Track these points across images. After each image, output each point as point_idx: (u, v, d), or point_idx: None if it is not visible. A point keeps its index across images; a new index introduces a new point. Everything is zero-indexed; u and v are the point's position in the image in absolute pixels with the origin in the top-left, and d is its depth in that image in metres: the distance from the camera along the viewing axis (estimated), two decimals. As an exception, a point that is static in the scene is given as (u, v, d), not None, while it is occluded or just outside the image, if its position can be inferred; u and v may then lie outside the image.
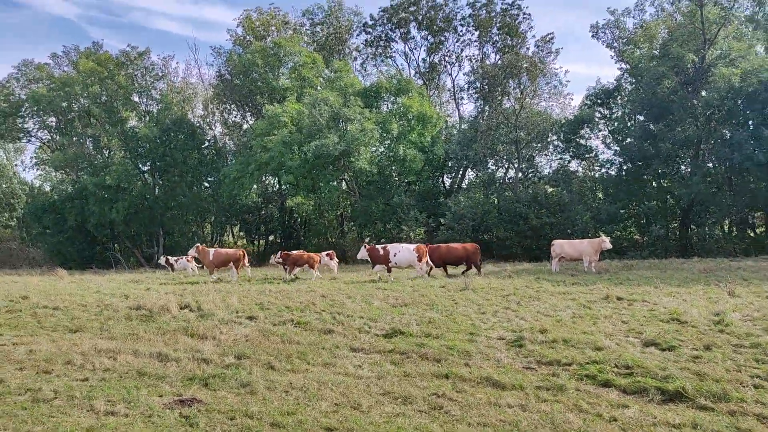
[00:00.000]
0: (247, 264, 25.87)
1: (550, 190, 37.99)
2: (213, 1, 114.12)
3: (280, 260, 24.90)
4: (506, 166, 42.79)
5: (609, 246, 24.21)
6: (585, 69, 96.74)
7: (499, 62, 40.33)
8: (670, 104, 33.87)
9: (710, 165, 34.52)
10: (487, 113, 40.80)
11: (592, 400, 7.53)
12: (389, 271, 22.48)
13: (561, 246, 25.02)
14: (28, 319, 14.77)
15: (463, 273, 23.79)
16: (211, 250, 25.61)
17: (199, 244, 26.30)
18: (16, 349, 11.44)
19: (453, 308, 14.78)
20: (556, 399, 7.58)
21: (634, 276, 20.78)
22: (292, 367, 9.50)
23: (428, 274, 23.40)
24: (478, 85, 40.55)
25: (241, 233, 53.15)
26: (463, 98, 48.09)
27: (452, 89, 49.13)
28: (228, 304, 16.07)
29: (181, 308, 15.50)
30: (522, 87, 38.63)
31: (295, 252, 25.44)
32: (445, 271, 24.40)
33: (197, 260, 28.71)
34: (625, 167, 38.02)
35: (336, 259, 26.78)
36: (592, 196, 39.16)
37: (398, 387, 8.24)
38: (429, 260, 23.40)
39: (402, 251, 22.61)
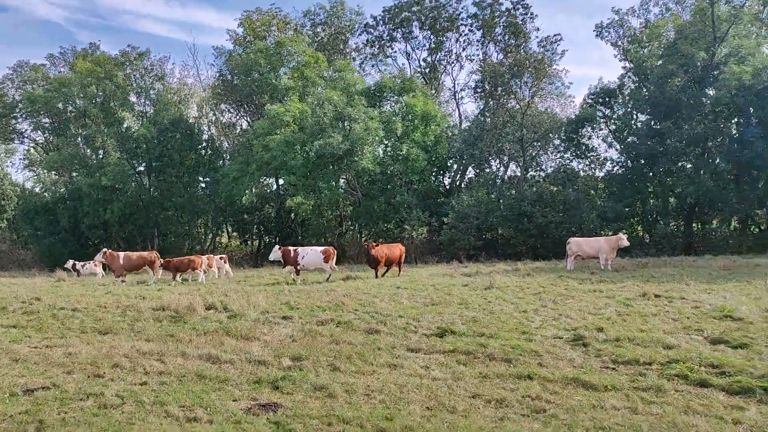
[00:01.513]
0: (158, 266, 25.49)
1: (554, 189, 37.75)
2: (201, 4, 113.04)
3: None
4: (509, 164, 42.61)
5: (626, 243, 24.06)
6: (577, 70, 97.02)
7: (505, 60, 39.98)
8: (678, 102, 33.87)
9: (717, 162, 34.45)
10: (492, 111, 40.41)
11: (701, 401, 7.26)
12: (297, 273, 22.85)
13: (578, 244, 24.79)
14: (50, 321, 14.24)
15: (383, 275, 23.95)
16: (121, 254, 25.63)
17: (106, 249, 26.20)
18: (52, 351, 10.95)
19: (489, 307, 14.50)
20: (663, 401, 7.29)
21: (658, 273, 20.63)
22: (357, 369, 9.14)
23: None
24: (484, 84, 40.07)
25: (234, 233, 52.50)
26: (463, 98, 47.90)
27: (453, 88, 48.96)
28: (253, 304, 15.59)
29: (206, 308, 15.04)
30: (529, 86, 38.32)
31: (176, 258, 25.96)
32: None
33: (104, 265, 28.13)
34: (629, 165, 37.87)
35: (227, 264, 27.60)
36: (596, 194, 39.06)
37: (484, 389, 7.91)
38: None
39: (309, 254, 23.15)
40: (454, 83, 49.38)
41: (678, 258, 27.94)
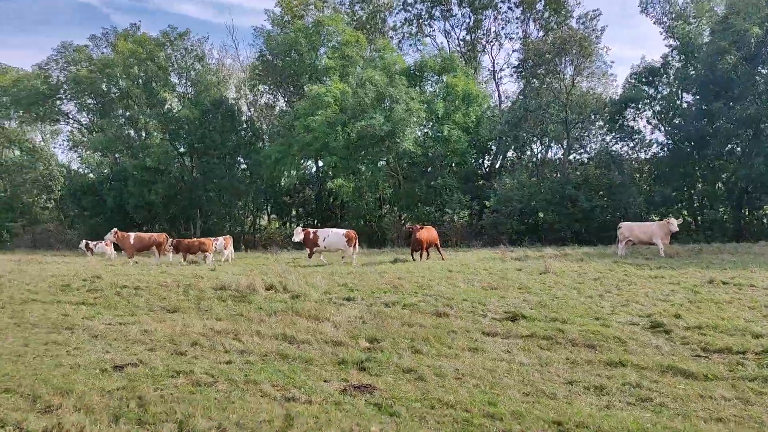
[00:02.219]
0: (168, 248, 26.16)
1: (598, 172, 37.02)
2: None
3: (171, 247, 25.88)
4: (551, 147, 41.95)
5: (676, 228, 23.23)
6: (614, 48, 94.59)
7: (549, 39, 39.12)
8: (729, 81, 32.77)
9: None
10: (537, 91, 39.66)
11: (813, 392, 7.00)
12: (311, 255, 23.47)
13: (630, 229, 24.25)
14: (116, 299, 14.48)
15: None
16: (132, 234, 26.11)
17: (116, 230, 26.44)
18: (127, 328, 11.10)
19: (551, 292, 14.28)
20: (776, 391, 7.05)
21: (717, 260, 20.15)
22: (438, 352, 9.06)
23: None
24: (527, 63, 39.29)
25: (273, 216, 52.87)
26: (502, 78, 47.20)
27: (492, 68, 48.32)
28: (311, 285, 15.59)
29: (266, 288, 15.08)
30: (575, 64, 37.43)
31: (187, 240, 26.82)
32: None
33: (116, 245, 28.48)
34: (676, 148, 36.88)
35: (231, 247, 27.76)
36: (642, 178, 38.25)
37: (577, 375, 7.77)
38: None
39: (331, 235, 23.41)
40: (494, 63, 48.73)
41: (731, 245, 27.18)
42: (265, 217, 52.95)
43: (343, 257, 23.68)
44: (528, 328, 10.41)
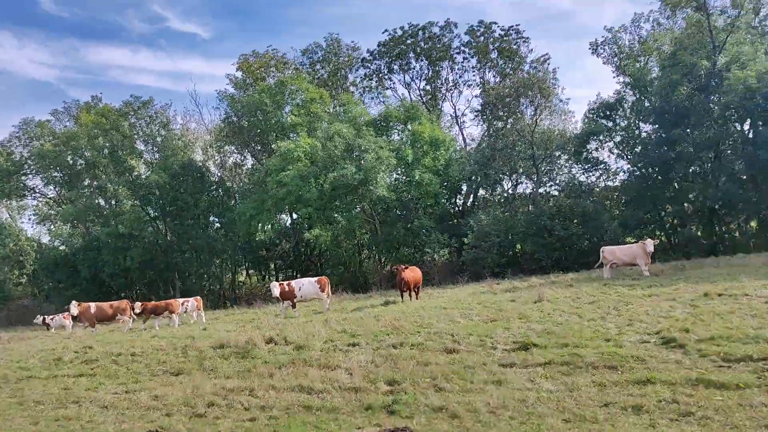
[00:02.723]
0: (134, 315, 26.01)
1: (569, 201, 37.75)
2: (188, 54, 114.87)
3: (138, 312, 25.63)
4: (521, 182, 42.87)
5: (652, 249, 23.73)
6: (572, 91, 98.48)
7: (507, 83, 40.85)
8: (685, 109, 34.30)
9: (735, 164, 34.71)
10: (503, 132, 40.92)
11: None
12: (294, 306, 23.04)
13: (612, 252, 24.69)
14: (115, 368, 14.10)
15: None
16: (93, 305, 25.79)
17: (76, 302, 25.89)
18: (136, 396, 10.79)
19: (552, 319, 14.37)
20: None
21: (704, 274, 20.58)
22: (462, 387, 9.02)
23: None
24: (489, 107, 40.66)
25: (251, 271, 52.31)
26: (464, 122, 48.67)
27: (454, 113, 49.62)
28: (310, 334, 15.37)
29: (267, 342, 14.83)
30: (535, 104, 38.88)
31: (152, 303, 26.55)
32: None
33: (74, 317, 27.81)
34: (643, 173, 38.02)
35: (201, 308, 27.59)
36: (613, 204, 39.12)
37: (610, 397, 7.82)
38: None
39: (305, 285, 23.40)
40: (455, 108, 50.06)
41: (711, 259, 27.83)
42: (244, 273, 52.28)
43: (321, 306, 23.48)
44: (543, 355, 10.44)
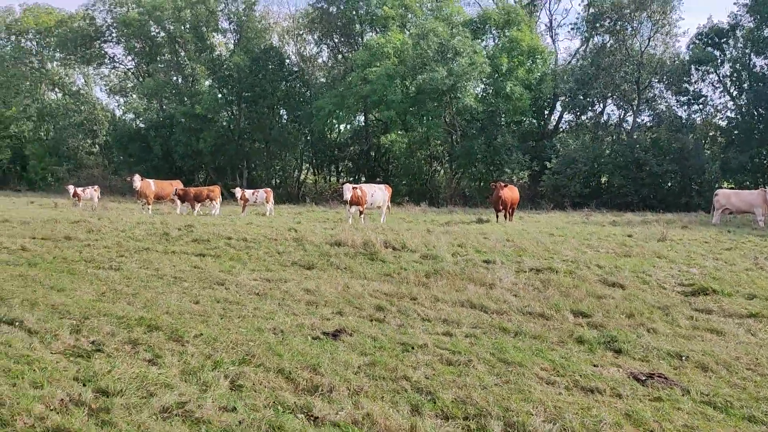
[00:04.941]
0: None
1: (667, 135, 35.45)
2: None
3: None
4: (618, 107, 40.26)
5: (773, 196, 22.00)
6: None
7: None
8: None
9: None
10: (610, 48, 37.77)
11: None
12: (361, 213, 21.53)
13: (727, 197, 22.99)
14: (233, 251, 13.48)
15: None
16: (152, 181, 25.83)
17: (138, 176, 25.43)
18: (284, 287, 10.03)
19: (698, 262, 12.98)
20: None
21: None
22: (674, 332, 7.89)
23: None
24: (602, 18, 37.18)
25: (316, 170, 51.74)
26: (558, 35, 45.25)
27: (549, 24, 46.27)
28: (427, 243, 14.50)
29: (384, 246, 13.98)
30: (653, 21, 35.53)
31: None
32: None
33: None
34: (749, 113, 35.22)
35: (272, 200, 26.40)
36: (715, 143, 36.67)
37: None
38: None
39: (377, 191, 22.04)
40: (551, 18, 46.42)
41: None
42: (309, 171, 51.88)
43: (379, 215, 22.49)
44: (738, 304, 9.32)
